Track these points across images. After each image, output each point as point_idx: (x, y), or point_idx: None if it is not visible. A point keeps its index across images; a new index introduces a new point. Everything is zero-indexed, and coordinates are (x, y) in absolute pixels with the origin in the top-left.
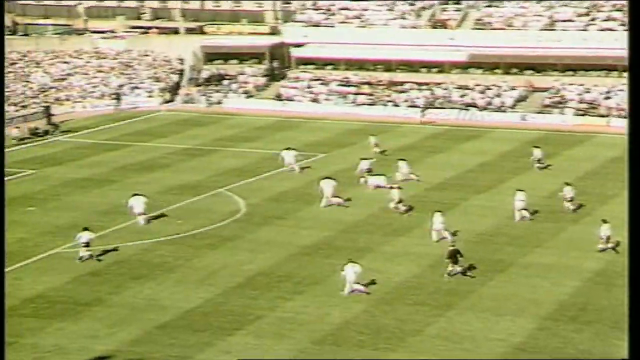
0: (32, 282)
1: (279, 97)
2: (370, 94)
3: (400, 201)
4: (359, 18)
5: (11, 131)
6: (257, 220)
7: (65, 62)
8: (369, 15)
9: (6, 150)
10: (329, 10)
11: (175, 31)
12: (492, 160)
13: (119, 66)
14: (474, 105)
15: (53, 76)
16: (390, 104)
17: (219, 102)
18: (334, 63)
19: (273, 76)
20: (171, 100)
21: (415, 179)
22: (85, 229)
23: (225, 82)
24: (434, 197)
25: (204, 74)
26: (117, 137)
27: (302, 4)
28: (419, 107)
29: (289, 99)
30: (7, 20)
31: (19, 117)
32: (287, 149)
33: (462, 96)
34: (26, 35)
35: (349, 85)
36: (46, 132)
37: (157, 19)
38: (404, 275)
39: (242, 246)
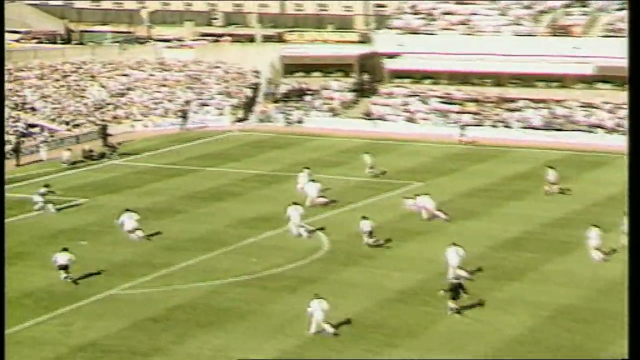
0: (84, 327)
1: (368, 116)
2: (477, 113)
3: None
4: (465, 24)
5: (62, 154)
6: (342, 260)
7: (124, 75)
8: (477, 20)
9: (56, 174)
10: (429, 14)
11: (251, 39)
12: (622, 192)
13: (186, 79)
14: (601, 127)
15: (111, 91)
16: (500, 124)
17: (300, 121)
18: (433, 76)
19: (362, 91)
20: (244, 119)
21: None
22: (65, 249)
23: (307, 97)
24: (558, 235)
25: (283, 89)
26: (182, 161)
27: (398, 6)
28: (535, 128)
29: (381, 118)
30: (60, 27)
31: (71, 137)
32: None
33: (587, 116)
34: (81, 44)
35: (452, 103)
36: (102, 155)
37: (230, 25)
38: (518, 327)
39: (324, 289)
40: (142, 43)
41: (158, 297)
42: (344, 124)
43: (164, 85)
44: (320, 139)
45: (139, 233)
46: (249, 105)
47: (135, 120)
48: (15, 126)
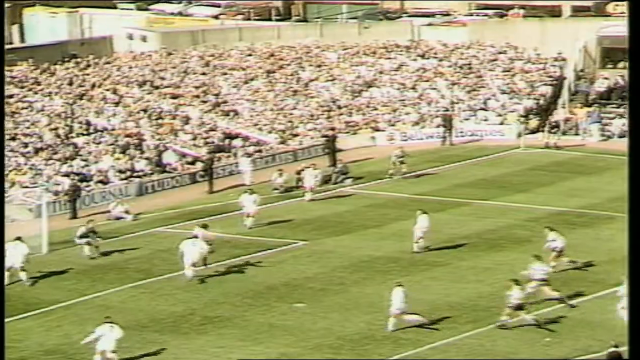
0: None
1: None
2: None
3: None
4: None
5: (273, 175)
6: None
7: (364, 64)
8: None
9: (263, 205)
10: None
11: (555, 13)
12: None
13: (453, 71)
14: None
15: (345, 87)
16: None
17: (622, 135)
18: None
19: None
20: (539, 129)
21: None
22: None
23: None
24: None
25: (600, 86)
26: (442, 190)
27: None
28: None
29: None
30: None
31: (285, 153)
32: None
33: None
34: (304, 21)
35: None
36: (326, 179)
37: None
38: None
39: None
40: (391, 19)
41: None
42: None
43: (421, 79)
44: None
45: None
46: (546, 110)
47: (377, 130)
48: (209, 136)
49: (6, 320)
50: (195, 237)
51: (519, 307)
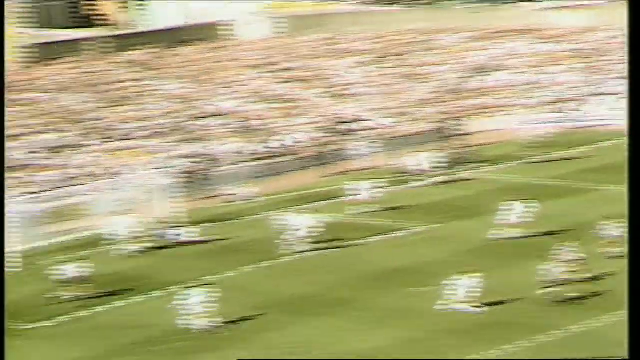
0: None
1: None
2: None
3: None
4: None
5: (389, 160)
6: None
7: (483, 49)
8: None
9: (382, 189)
10: None
11: None
12: None
13: (573, 55)
14: None
15: (464, 70)
16: None
17: None
18: None
19: None
20: None
21: None
22: None
23: None
24: None
25: None
26: (565, 175)
27: None
28: None
29: None
30: None
31: (403, 137)
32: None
33: None
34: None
35: None
36: (446, 164)
37: None
38: None
39: None
40: (509, 2)
41: None
42: None
43: (541, 64)
44: None
45: None
46: None
47: (496, 115)
48: (326, 120)
49: (134, 299)
50: (306, 218)
51: None
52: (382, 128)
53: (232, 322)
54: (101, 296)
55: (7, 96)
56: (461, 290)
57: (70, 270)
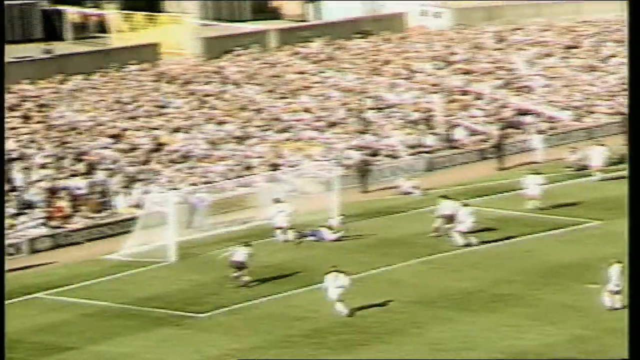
0: None
1: None
2: None
3: None
4: None
5: (565, 154)
6: None
7: None
8: None
9: (553, 184)
10: None
11: None
12: None
13: None
14: None
15: None
16: None
17: None
18: None
19: None
20: None
21: None
22: None
23: None
24: None
25: None
26: None
27: None
28: None
29: None
30: None
31: (579, 130)
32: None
33: None
34: None
35: None
36: (620, 160)
37: None
38: None
39: None
40: None
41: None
42: None
43: None
44: None
45: None
46: None
47: None
48: (500, 112)
49: (294, 291)
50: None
51: None
52: (558, 121)
53: (393, 315)
54: (263, 285)
55: (188, 88)
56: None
57: (235, 260)
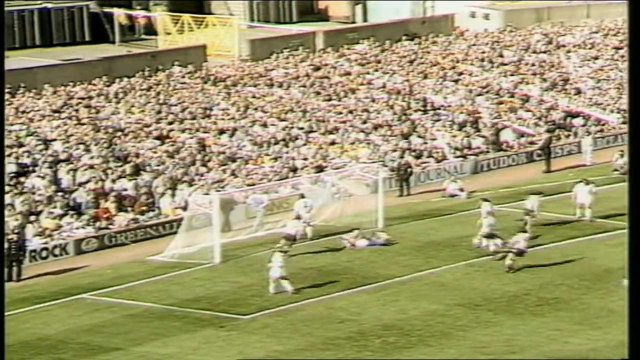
0: None
1: None
2: None
3: None
4: None
5: (613, 156)
6: None
7: None
8: None
9: (601, 187)
10: None
11: None
12: None
13: None
14: None
15: None
16: None
17: None
18: None
19: None
20: None
21: None
22: None
23: None
24: None
25: None
26: None
27: None
28: None
29: None
30: None
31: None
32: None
33: None
34: None
35: None
36: None
37: None
38: None
39: None
40: None
41: None
42: None
43: None
44: None
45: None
46: None
47: None
48: (548, 114)
49: (338, 293)
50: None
51: None
52: (606, 123)
53: (437, 318)
54: (307, 288)
55: (235, 90)
56: None
57: (279, 262)
